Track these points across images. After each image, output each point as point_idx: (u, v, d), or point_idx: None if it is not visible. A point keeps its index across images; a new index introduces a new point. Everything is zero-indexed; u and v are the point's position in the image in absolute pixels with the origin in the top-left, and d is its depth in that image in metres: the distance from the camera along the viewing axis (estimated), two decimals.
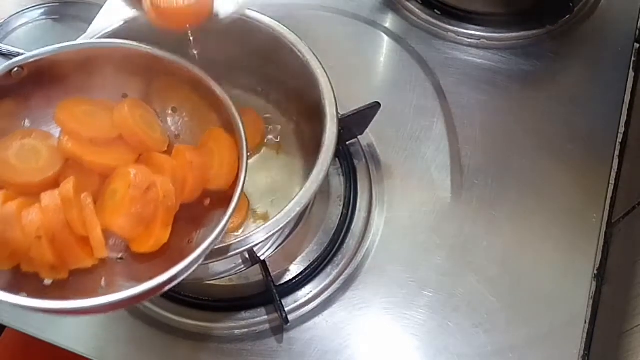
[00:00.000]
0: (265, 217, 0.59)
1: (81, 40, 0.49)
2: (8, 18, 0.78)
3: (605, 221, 0.63)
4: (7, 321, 0.59)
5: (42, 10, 0.80)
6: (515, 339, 0.57)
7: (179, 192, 0.46)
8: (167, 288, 0.41)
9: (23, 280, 0.43)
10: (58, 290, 0.43)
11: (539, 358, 0.56)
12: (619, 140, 0.69)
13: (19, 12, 0.79)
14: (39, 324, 0.58)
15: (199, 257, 0.41)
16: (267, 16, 0.56)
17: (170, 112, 0.53)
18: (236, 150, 0.47)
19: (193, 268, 0.41)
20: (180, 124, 0.53)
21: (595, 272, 0.61)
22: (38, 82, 0.47)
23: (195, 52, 0.53)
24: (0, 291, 0.37)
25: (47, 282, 0.43)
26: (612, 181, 0.66)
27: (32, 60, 0.45)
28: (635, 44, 0.75)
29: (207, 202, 0.49)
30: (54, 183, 0.45)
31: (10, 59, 0.45)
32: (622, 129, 0.69)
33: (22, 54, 0.45)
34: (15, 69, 0.44)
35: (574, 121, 0.69)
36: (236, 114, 0.47)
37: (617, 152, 0.68)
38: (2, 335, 0.76)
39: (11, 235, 0.41)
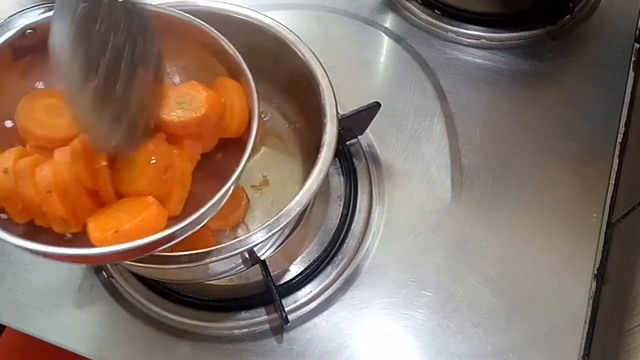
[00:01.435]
0: (265, 217, 0.59)
1: None
2: (8, 18, 0.78)
3: (605, 221, 0.63)
4: (7, 321, 0.59)
5: (41, 10, 0.79)
6: (515, 339, 0.57)
7: (218, 127, 0.48)
8: (180, 238, 0.42)
9: (42, 234, 0.44)
10: (76, 243, 0.44)
11: (539, 358, 0.56)
12: (619, 140, 0.69)
13: (19, 12, 0.79)
14: (39, 324, 0.58)
15: (214, 205, 0.42)
16: (267, 16, 0.56)
17: (179, 69, 0.53)
18: (245, 96, 0.48)
19: (206, 220, 0.43)
20: (188, 79, 0.53)
21: (595, 272, 0.61)
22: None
23: None
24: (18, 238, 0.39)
25: (67, 236, 0.44)
26: (612, 181, 0.66)
27: (45, 21, 0.45)
28: (635, 44, 0.75)
29: (219, 156, 0.50)
30: None
31: None
32: (622, 129, 0.69)
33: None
34: (29, 31, 0.45)
35: (574, 121, 0.69)
36: (241, 61, 0.48)
37: (617, 152, 0.68)
38: (2, 335, 0.76)
39: (24, 190, 0.43)
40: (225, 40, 0.49)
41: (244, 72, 0.48)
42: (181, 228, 0.41)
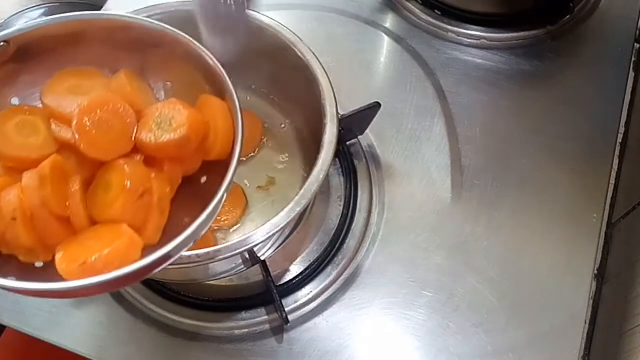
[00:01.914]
0: (264, 217, 0.59)
1: (69, 13, 0.47)
2: (8, 18, 0.78)
3: (605, 221, 0.63)
4: (7, 321, 0.59)
5: (42, 10, 0.80)
6: (515, 339, 0.57)
7: (201, 148, 0.44)
8: (158, 269, 0.39)
9: (12, 263, 0.41)
10: (49, 272, 0.40)
11: (539, 358, 0.56)
12: (619, 140, 0.69)
13: (19, 12, 0.79)
14: (39, 324, 0.58)
15: (193, 233, 0.39)
16: (268, 16, 0.56)
17: (162, 86, 0.50)
18: (230, 116, 0.45)
19: (186, 247, 0.39)
20: (172, 97, 0.50)
21: (595, 272, 0.61)
22: (25, 58, 0.45)
23: None
24: None
25: (38, 264, 0.41)
26: (612, 181, 0.66)
27: (17, 34, 0.43)
28: (635, 44, 0.75)
29: (204, 179, 0.47)
30: None
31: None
32: (622, 129, 0.70)
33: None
34: (1, 44, 0.43)
35: (574, 121, 0.69)
36: (226, 78, 0.45)
37: (617, 152, 0.68)
38: (2, 335, 0.76)
39: None
40: (210, 54, 0.46)
41: (228, 90, 0.45)
42: (157, 258, 0.37)
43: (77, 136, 0.42)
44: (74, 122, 0.42)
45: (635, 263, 0.56)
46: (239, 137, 0.43)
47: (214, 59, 0.46)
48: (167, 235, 0.43)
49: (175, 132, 0.43)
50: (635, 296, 0.54)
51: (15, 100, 0.46)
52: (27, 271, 0.41)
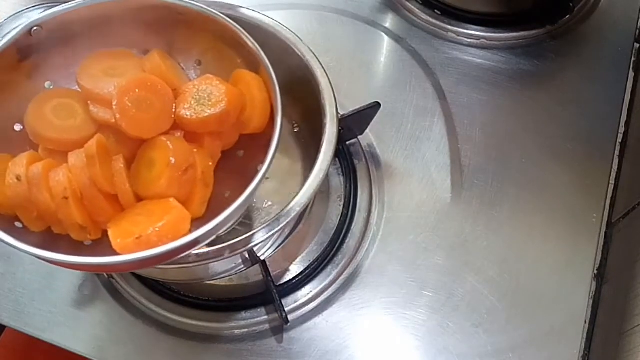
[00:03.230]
0: (265, 217, 0.59)
1: None
2: (8, 18, 0.78)
3: (605, 221, 0.63)
4: (7, 321, 0.59)
5: (41, 10, 0.79)
6: (515, 339, 0.57)
7: (238, 122, 0.45)
8: (203, 244, 0.40)
9: (60, 241, 0.42)
10: (96, 250, 0.42)
11: (539, 358, 0.56)
12: (619, 140, 0.69)
13: (19, 12, 0.79)
14: (39, 324, 0.58)
15: (244, 203, 0.40)
16: (267, 16, 0.56)
17: (194, 64, 0.51)
18: (265, 89, 0.45)
19: (236, 218, 0.41)
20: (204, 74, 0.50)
21: (595, 272, 0.61)
22: (58, 41, 0.45)
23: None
24: (35, 248, 0.37)
25: (87, 243, 0.43)
26: (612, 181, 0.66)
27: (50, 18, 0.44)
28: (635, 44, 0.75)
29: (241, 153, 0.48)
30: None
31: None
32: (622, 129, 0.70)
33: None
34: (35, 28, 0.43)
35: (574, 121, 0.69)
36: (260, 50, 0.45)
37: (617, 152, 0.68)
38: (2, 335, 0.76)
39: (38, 197, 0.41)
40: (242, 29, 0.46)
41: (263, 62, 0.45)
42: (207, 232, 0.38)
43: (118, 116, 0.43)
44: (114, 103, 0.43)
45: (635, 263, 0.56)
46: (278, 108, 0.44)
47: (245, 33, 0.46)
48: (210, 209, 0.44)
49: (215, 107, 0.44)
50: (635, 296, 0.54)
51: (48, 85, 0.47)
52: (78, 249, 0.42)
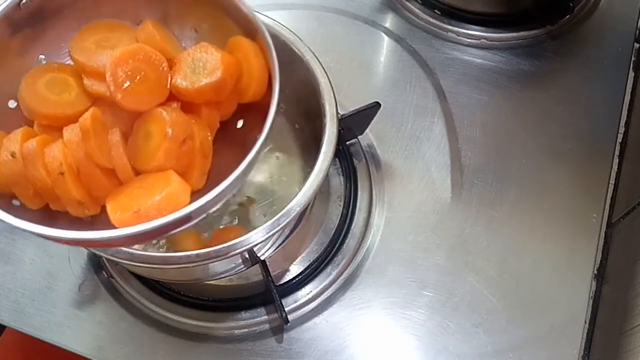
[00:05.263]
0: (265, 217, 0.59)
1: None
2: None
3: (605, 221, 0.63)
4: (7, 321, 0.59)
5: None
6: (515, 339, 0.57)
7: (235, 91, 0.44)
8: (208, 212, 0.39)
9: (59, 218, 0.42)
10: (95, 225, 0.41)
11: (539, 358, 0.56)
12: (619, 140, 0.69)
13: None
14: (39, 324, 0.58)
15: (243, 173, 0.39)
16: (267, 16, 0.56)
17: (188, 32, 0.49)
18: (262, 55, 0.44)
19: (236, 188, 0.39)
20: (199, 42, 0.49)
21: (595, 272, 0.61)
22: (48, 14, 0.44)
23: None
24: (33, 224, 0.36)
25: (86, 218, 0.42)
26: (612, 181, 0.66)
27: None
28: (635, 44, 0.75)
29: (240, 123, 0.47)
30: None
31: None
32: (622, 129, 0.70)
33: None
34: (24, 1, 0.42)
35: (574, 121, 0.69)
36: (256, 16, 0.44)
37: (617, 152, 0.68)
38: (2, 335, 0.76)
39: (34, 173, 0.40)
40: (244, 2, 0.44)
41: (259, 29, 0.43)
42: (207, 202, 0.37)
43: (112, 88, 0.42)
44: (108, 75, 0.42)
45: (635, 263, 0.56)
46: (276, 74, 0.43)
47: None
48: (210, 181, 0.43)
49: (211, 76, 0.43)
50: (635, 296, 0.54)
51: (42, 58, 0.46)
52: (77, 225, 0.41)
